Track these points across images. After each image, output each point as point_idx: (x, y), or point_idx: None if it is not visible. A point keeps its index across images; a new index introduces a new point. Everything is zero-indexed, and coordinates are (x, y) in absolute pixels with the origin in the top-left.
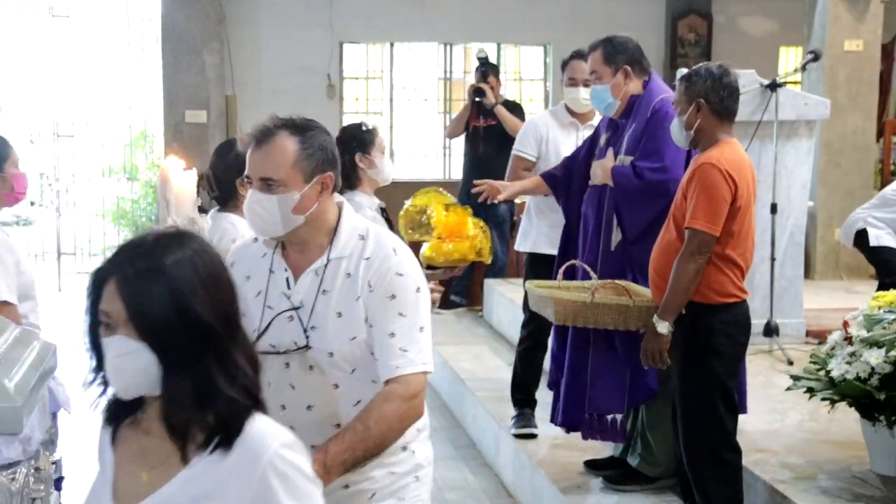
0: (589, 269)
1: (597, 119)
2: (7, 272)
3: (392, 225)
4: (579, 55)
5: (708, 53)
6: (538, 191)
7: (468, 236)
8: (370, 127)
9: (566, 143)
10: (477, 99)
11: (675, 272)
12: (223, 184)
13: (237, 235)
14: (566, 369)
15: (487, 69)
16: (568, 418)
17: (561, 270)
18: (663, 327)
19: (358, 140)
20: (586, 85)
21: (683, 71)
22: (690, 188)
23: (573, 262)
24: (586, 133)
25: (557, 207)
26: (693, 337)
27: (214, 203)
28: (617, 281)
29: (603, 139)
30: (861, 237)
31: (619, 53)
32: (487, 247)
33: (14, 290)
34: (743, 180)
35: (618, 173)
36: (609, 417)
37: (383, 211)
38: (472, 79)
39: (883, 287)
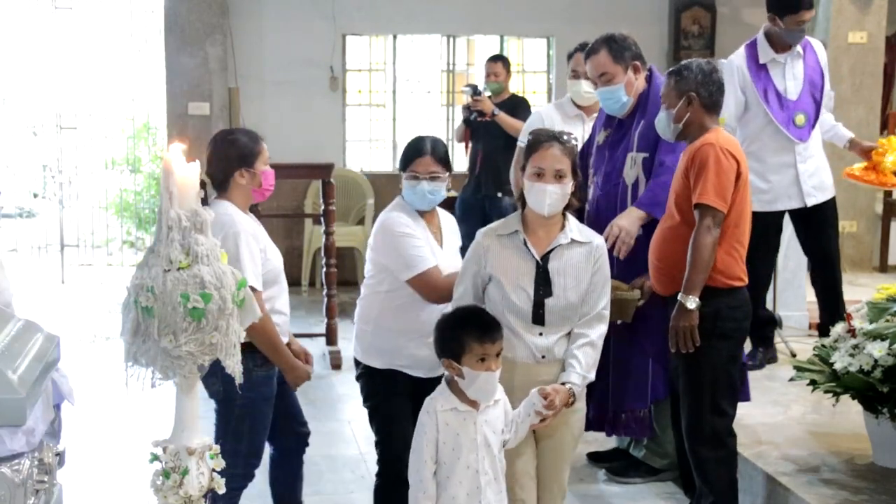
0: None
1: None
2: (254, 260)
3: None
4: (583, 48)
5: (712, 45)
6: None
7: None
8: (536, 145)
9: None
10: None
11: (695, 248)
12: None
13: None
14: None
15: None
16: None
17: None
18: (692, 302)
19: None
20: (588, 77)
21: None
22: (692, 170)
23: None
24: (591, 125)
25: None
26: (700, 320)
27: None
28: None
29: (601, 137)
30: None
31: (625, 50)
32: None
33: (260, 277)
34: (742, 158)
35: (647, 203)
36: (635, 413)
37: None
38: (474, 71)
39: None
